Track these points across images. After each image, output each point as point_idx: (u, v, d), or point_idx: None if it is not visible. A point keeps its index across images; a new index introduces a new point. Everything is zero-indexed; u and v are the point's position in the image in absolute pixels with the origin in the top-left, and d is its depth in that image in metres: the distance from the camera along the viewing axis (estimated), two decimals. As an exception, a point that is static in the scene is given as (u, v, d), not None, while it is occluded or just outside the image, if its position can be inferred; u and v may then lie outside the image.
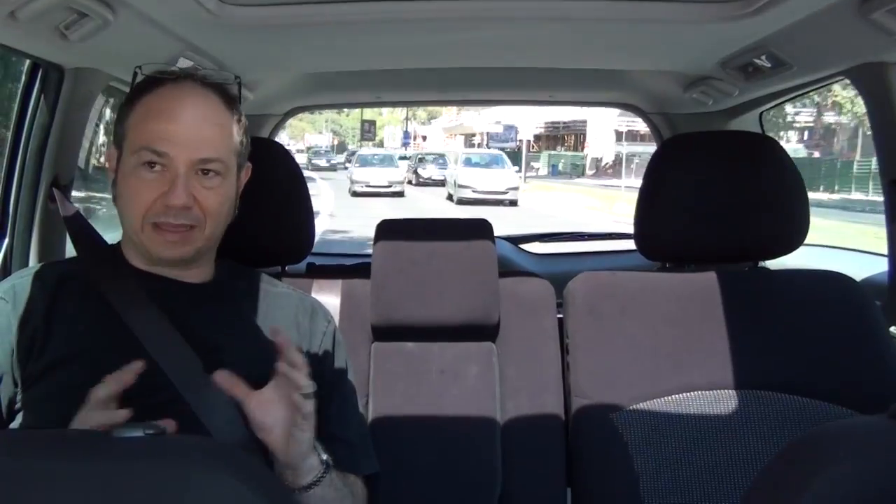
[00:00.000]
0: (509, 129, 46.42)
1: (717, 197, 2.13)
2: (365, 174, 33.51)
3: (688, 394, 2.07)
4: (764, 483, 0.93)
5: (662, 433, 2.05)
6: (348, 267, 2.50)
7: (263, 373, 1.67)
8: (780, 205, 2.14)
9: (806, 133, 42.10)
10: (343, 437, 1.78)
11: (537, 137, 52.74)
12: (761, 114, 3.51)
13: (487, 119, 50.64)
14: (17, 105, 2.35)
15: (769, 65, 2.55)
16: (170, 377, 1.61)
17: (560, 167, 47.44)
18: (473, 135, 57.48)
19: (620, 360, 2.11)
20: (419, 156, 42.64)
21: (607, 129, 44.03)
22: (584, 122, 47.22)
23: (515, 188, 30.36)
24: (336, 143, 72.53)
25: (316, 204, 2.43)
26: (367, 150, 43.66)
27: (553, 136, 53.79)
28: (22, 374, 1.62)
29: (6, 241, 2.32)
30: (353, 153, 43.03)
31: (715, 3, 2.12)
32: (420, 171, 39.36)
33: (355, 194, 31.68)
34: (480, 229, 2.29)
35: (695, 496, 2.01)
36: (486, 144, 49.29)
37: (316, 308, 1.90)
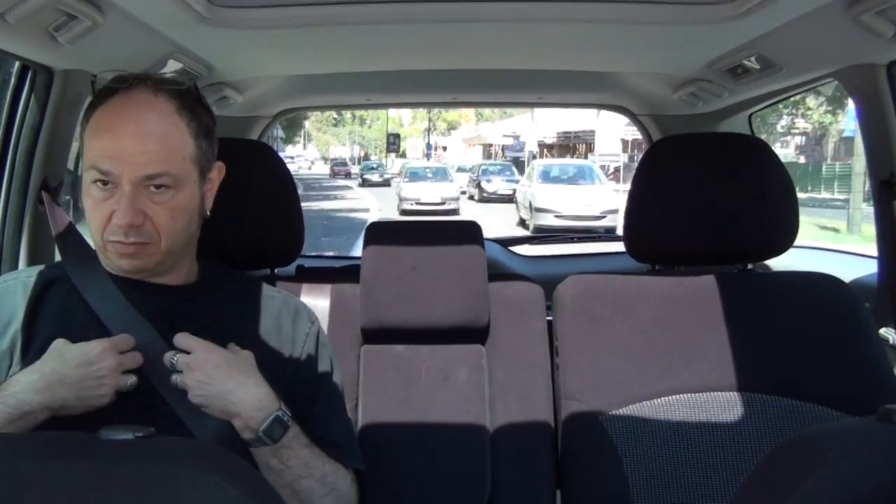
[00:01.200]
0: (519, 139, 50.83)
1: (706, 199, 2.14)
2: (415, 190, 30.43)
3: (677, 396, 2.07)
4: (753, 485, 0.93)
5: (652, 435, 2.05)
6: (338, 269, 2.50)
7: None
8: (770, 206, 2.15)
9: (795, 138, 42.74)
10: (327, 437, 1.78)
11: (550, 146, 53.62)
12: (750, 116, 3.52)
13: (504, 130, 54.58)
14: (6, 107, 2.34)
15: (758, 66, 2.56)
16: (151, 380, 1.61)
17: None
18: (490, 145, 59.60)
19: (610, 363, 2.11)
20: (483, 166, 38.05)
21: (614, 138, 43.78)
22: (593, 131, 46.78)
23: (614, 211, 22.00)
24: (362, 154, 73.04)
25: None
26: (418, 162, 41.12)
27: (565, 146, 53.39)
28: (3, 379, 1.62)
29: (-5, 243, 2.32)
30: (402, 166, 40.27)
31: (704, 4, 2.13)
32: (484, 184, 34.28)
33: (404, 213, 28.26)
34: (470, 232, 2.29)
35: (684, 498, 2.01)
36: (503, 155, 53.14)
37: (300, 309, 1.89)
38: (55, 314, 1.67)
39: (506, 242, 4.15)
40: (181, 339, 1.62)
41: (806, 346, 2.10)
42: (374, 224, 2.32)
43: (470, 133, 65.95)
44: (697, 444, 2.03)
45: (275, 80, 3.38)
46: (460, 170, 40.32)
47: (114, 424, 0.88)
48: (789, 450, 0.90)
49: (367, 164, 52.23)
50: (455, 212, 28.57)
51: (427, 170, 34.22)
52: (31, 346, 1.63)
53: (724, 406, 2.06)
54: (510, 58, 2.90)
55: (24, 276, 1.74)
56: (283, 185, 2.16)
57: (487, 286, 2.23)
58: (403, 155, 61.26)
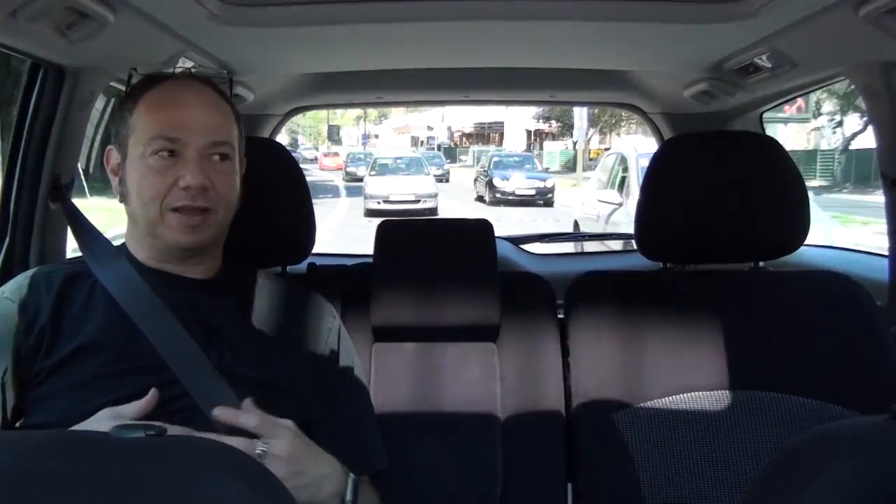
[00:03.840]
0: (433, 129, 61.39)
1: (717, 197, 2.13)
2: (383, 185, 25.40)
3: (688, 394, 2.07)
4: (764, 483, 0.93)
5: (663, 433, 2.05)
6: (349, 267, 2.50)
7: (267, 368, 1.69)
8: (781, 205, 2.14)
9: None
10: (353, 432, 1.79)
11: (468, 135, 63.34)
12: (762, 114, 3.51)
13: (428, 121, 63.33)
14: (17, 105, 2.35)
15: (770, 65, 2.55)
16: (175, 372, 1.61)
17: (482, 159, 50.29)
18: (417, 137, 66.69)
19: (621, 361, 2.11)
20: (495, 157, 31.11)
21: (521, 129, 55.44)
22: (502, 123, 56.52)
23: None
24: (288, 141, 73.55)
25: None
26: (389, 153, 35.37)
27: (480, 134, 62.14)
28: (29, 374, 1.62)
29: (6, 241, 2.32)
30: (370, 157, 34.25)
31: (715, 3, 2.12)
32: (498, 181, 27.74)
33: (370, 214, 22.84)
34: (481, 230, 2.29)
35: (695, 495, 2.01)
36: (427, 143, 62.25)
37: (322, 305, 1.90)
38: (80, 308, 1.67)
39: (517, 241, 4.15)
40: (245, 418, 1.58)
41: (818, 345, 2.09)
42: (385, 222, 2.33)
43: (399, 123, 69.85)
44: (709, 442, 2.03)
45: (286, 79, 3.38)
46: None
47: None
48: (802, 447, 0.90)
49: (352, 155, 44.95)
50: (432, 211, 24.27)
51: (399, 160, 29.29)
52: (59, 341, 1.63)
53: (736, 404, 2.06)
54: (522, 56, 2.90)
55: (45, 272, 1.74)
56: (294, 183, 2.16)
57: (499, 284, 2.23)
58: (339, 143, 63.02)
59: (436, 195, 25.79)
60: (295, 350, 1.78)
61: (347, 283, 2.29)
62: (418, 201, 24.91)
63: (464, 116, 59.09)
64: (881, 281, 2.60)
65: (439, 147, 57.78)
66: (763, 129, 3.56)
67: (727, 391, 2.07)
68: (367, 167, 29.68)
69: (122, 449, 0.84)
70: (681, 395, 2.07)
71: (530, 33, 2.48)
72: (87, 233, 1.88)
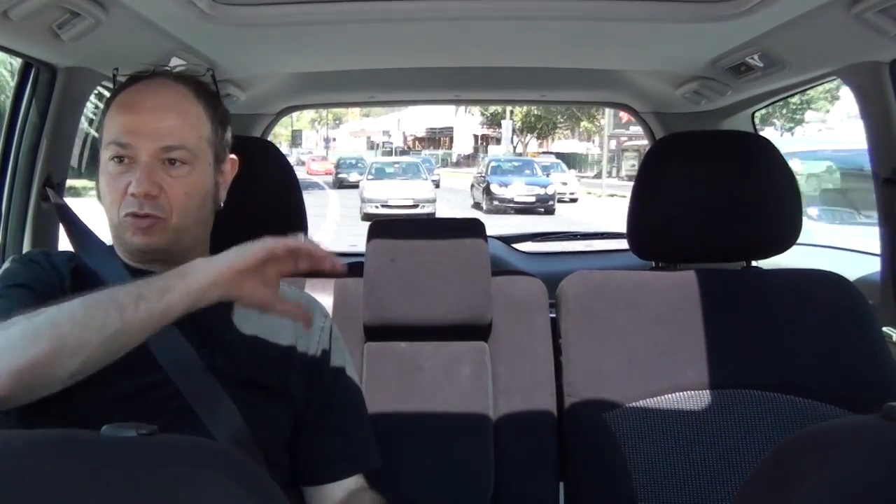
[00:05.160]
0: (389, 133, 66.66)
1: (709, 196, 2.14)
2: (380, 190, 25.76)
3: (681, 393, 2.07)
4: (757, 482, 0.93)
5: (655, 432, 2.05)
6: None
7: (259, 369, 1.68)
8: (773, 204, 2.14)
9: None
10: (346, 431, 1.79)
11: (421, 139, 69.00)
12: (753, 113, 3.52)
13: (383, 125, 68.86)
14: (9, 104, 2.34)
15: (761, 64, 2.56)
16: (167, 372, 1.61)
17: (433, 161, 52.85)
18: (373, 141, 71.67)
19: (613, 360, 2.12)
20: (493, 162, 30.94)
21: (469, 133, 61.84)
22: (452, 128, 63.41)
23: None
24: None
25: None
26: (386, 157, 36.53)
27: (432, 139, 68.09)
28: None
29: (-2, 240, 2.32)
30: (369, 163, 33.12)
31: (707, 2, 2.13)
32: (496, 187, 27.22)
33: (368, 218, 20.71)
34: (473, 229, 2.29)
35: (688, 494, 2.01)
36: (382, 146, 66.03)
37: (313, 304, 1.89)
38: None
39: (509, 239, 4.15)
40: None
41: (809, 344, 2.10)
42: (377, 221, 2.32)
43: (356, 127, 75.97)
44: (700, 441, 2.03)
45: (278, 78, 3.38)
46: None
47: (127, 419, 0.88)
48: (793, 447, 0.90)
49: (343, 159, 43.35)
50: (430, 217, 21.32)
51: (396, 165, 29.90)
52: None
53: (728, 403, 2.06)
54: (513, 55, 2.90)
55: (58, 254, 1.76)
56: (286, 183, 2.16)
57: (490, 283, 2.23)
58: (301, 146, 66.19)
59: (434, 200, 25.96)
60: (287, 350, 1.77)
61: (339, 282, 2.29)
62: (416, 206, 25.10)
63: (417, 121, 64.19)
64: (873, 280, 2.61)
65: (395, 150, 61.50)
66: (755, 129, 3.57)
67: (719, 390, 2.07)
68: (361, 172, 30.27)
69: (114, 449, 0.84)
70: (673, 395, 2.08)
71: (522, 33, 2.48)
72: (79, 232, 1.87)
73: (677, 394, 2.08)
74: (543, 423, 2.18)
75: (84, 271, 1.71)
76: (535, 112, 48.48)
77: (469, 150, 59.14)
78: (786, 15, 2.10)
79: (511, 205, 26.42)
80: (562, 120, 51.29)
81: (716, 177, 2.15)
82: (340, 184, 36.28)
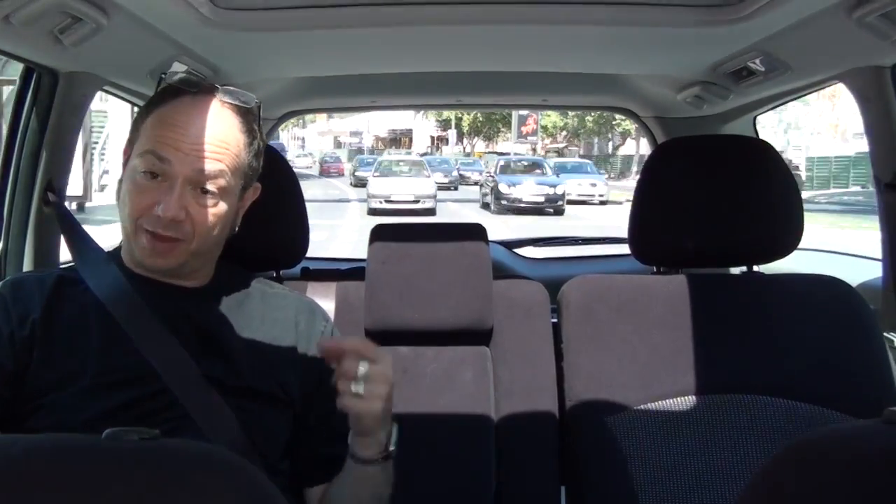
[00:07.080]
0: (357, 134, 74.08)
1: (711, 201, 2.14)
2: (385, 186, 27.01)
3: (682, 398, 2.07)
4: (758, 487, 0.93)
5: (657, 436, 2.05)
6: (343, 271, 2.50)
7: (260, 377, 1.68)
8: (775, 209, 2.14)
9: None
10: (347, 433, 1.79)
11: (384, 139, 74.86)
12: (755, 118, 3.52)
13: (349, 126, 74.18)
14: (11, 109, 2.34)
15: (763, 69, 2.56)
16: (166, 382, 1.60)
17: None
18: (340, 141, 78.61)
19: (615, 364, 2.11)
20: (502, 161, 31.62)
21: (426, 135, 70.20)
22: (412, 129, 70.43)
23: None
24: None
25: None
26: (391, 155, 38.06)
27: (393, 139, 74.24)
28: (21, 368, 1.60)
29: (0, 245, 2.32)
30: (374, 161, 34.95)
31: (708, 7, 2.12)
32: (505, 187, 27.35)
33: (373, 212, 24.99)
34: (475, 233, 2.29)
35: (689, 499, 2.01)
36: (350, 145, 73.71)
37: (314, 309, 1.89)
38: (73, 314, 1.66)
39: (511, 244, 4.15)
40: (349, 341, 1.64)
41: (811, 349, 2.10)
42: (379, 226, 2.33)
43: (323, 127, 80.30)
44: (701, 446, 2.03)
45: (280, 83, 3.38)
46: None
47: (124, 426, 0.88)
48: (794, 451, 0.90)
49: (360, 159, 45.26)
50: (431, 212, 25.81)
51: (401, 163, 30.93)
52: (51, 346, 1.62)
53: (729, 408, 2.06)
54: (514, 60, 2.90)
55: (37, 275, 1.74)
56: (289, 188, 2.16)
57: (492, 288, 2.23)
58: None
59: (434, 196, 27.13)
60: (287, 355, 1.77)
61: (341, 286, 2.29)
62: (417, 201, 26.29)
63: (380, 123, 69.61)
64: (874, 285, 2.61)
65: (361, 150, 67.34)
66: (757, 133, 3.57)
67: (720, 395, 2.07)
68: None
69: (115, 453, 0.84)
70: (674, 399, 2.08)
71: (524, 37, 2.48)
72: (78, 238, 1.87)
73: (679, 398, 2.08)
74: (545, 428, 2.18)
75: (72, 284, 1.71)
76: (480, 118, 57.80)
77: (425, 149, 65.44)
78: (787, 19, 2.10)
79: (520, 205, 26.49)
80: (502, 127, 58.17)
81: (717, 182, 2.15)
82: (358, 182, 36.67)
